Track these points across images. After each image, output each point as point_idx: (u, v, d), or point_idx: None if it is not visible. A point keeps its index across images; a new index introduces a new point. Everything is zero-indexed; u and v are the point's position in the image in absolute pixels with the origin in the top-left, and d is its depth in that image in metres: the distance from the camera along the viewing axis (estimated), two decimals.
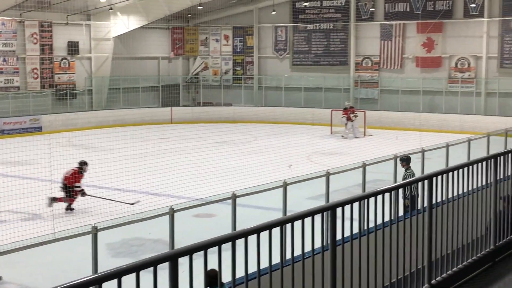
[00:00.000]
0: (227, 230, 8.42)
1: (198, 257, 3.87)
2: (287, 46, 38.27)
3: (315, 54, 37.57)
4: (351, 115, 29.88)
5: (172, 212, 8.30)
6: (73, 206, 16.42)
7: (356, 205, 5.14)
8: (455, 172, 6.59)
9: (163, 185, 16.46)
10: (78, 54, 34.38)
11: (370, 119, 31.01)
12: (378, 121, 32.49)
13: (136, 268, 3.33)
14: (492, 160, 6.97)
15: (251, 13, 38.86)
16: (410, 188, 9.49)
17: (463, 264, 6.47)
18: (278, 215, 9.65)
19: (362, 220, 6.12)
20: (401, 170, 14.32)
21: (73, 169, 16.58)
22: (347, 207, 4.96)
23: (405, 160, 13.56)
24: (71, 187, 16.28)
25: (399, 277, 5.63)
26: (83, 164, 16.80)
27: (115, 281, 3.28)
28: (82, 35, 34.72)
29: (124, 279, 3.32)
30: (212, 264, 4.09)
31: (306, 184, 14.00)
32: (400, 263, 5.65)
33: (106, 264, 4.18)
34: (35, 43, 32.32)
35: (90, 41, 35.22)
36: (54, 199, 15.90)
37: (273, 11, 36.29)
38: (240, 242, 4.11)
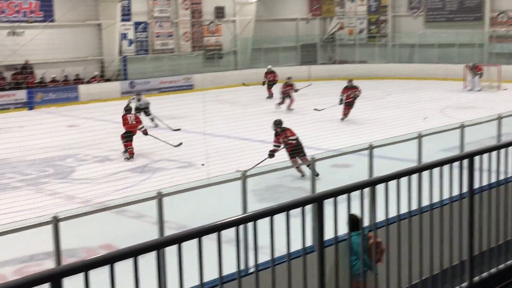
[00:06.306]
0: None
1: (341, 201, 3.87)
2: (421, 3, 36.73)
3: (449, 11, 35.77)
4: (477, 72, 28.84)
5: (313, 162, 8.31)
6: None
7: (493, 156, 4.90)
8: None
9: (302, 137, 16.53)
10: (224, 17, 35.07)
11: (506, 73, 29.24)
12: None
13: (285, 208, 3.39)
14: None
15: None
16: None
17: None
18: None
19: (498, 170, 5.85)
20: None
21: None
22: (485, 156, 4.74)
23: None
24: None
25: None
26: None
27: (267, 219, 3.36)
28: (227, 0, 35.32)
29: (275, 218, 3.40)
30: (354, 209, 4.08)
31: (440, 137, 13.52)
32: None
33: (253, 207, 4.28)
34: (186, 9, 33.30)
35: (234, 5, 35.75)
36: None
37: None
38: (380, 190, 4.06)
